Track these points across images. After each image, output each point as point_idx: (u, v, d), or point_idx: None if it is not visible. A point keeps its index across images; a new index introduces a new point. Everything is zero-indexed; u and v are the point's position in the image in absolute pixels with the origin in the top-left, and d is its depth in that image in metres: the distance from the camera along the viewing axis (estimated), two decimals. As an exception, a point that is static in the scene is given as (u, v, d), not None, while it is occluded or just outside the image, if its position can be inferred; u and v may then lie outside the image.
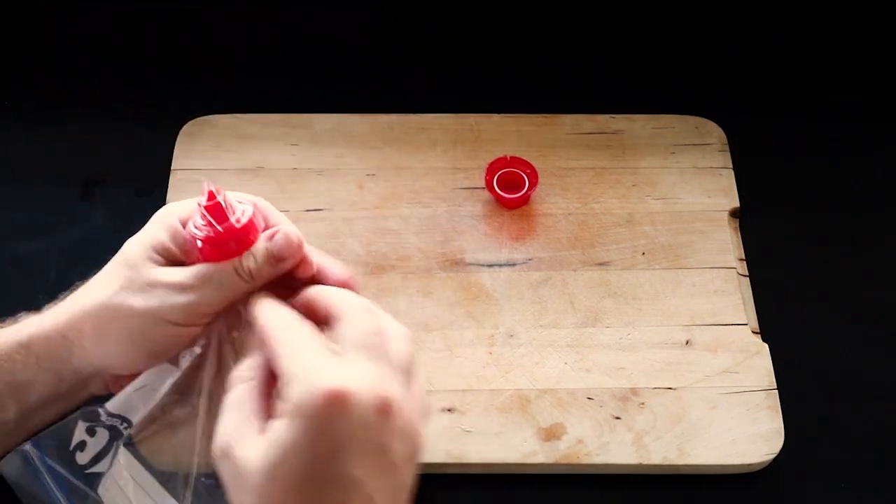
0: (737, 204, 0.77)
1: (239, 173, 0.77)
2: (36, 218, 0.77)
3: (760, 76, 0.87)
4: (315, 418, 0.43)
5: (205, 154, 0.78)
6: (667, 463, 0.65)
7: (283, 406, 0.45)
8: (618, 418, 0.66)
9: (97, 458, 0.57)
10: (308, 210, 0.76)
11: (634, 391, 0.67)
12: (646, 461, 0.65)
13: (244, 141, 0.79)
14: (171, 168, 0.77)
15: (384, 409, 0.45)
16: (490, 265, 0.73)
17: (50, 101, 0.84)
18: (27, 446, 0.56)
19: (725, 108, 0.82)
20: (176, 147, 0.78)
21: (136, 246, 0.54)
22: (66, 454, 0.56)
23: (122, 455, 0.57)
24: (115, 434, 0.57)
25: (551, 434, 0.66)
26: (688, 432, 0.66)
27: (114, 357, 0.54)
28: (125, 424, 0.57)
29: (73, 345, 0.54)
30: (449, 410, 0.67)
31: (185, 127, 0.79)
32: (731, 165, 0.79)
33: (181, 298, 0.52)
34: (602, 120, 0.81)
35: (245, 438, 0.45)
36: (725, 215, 0.76)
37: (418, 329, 0.70)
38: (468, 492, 0.65)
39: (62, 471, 0.56)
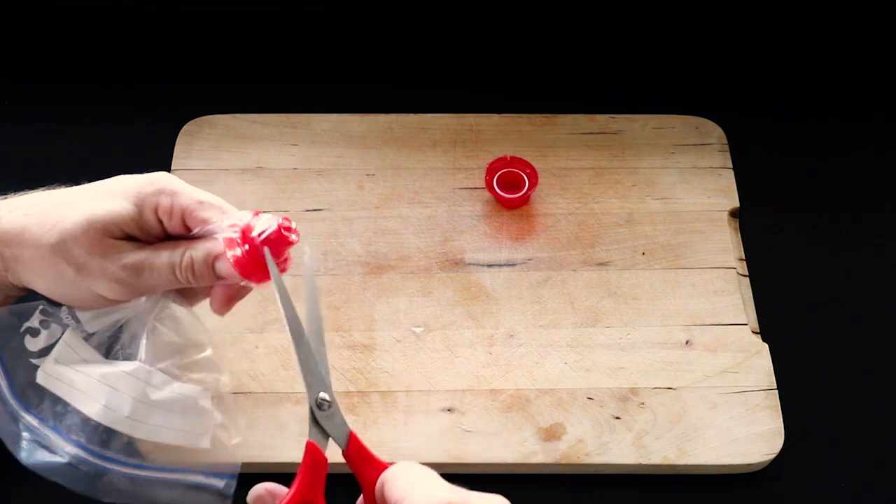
0: (737, 204, 0.77)
1: (239, 173, 0.77)
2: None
3: (760, 76, 0.87)
4: None
5: (205, 154, 0.78)
6: (666, 463, 0.65)
7: None
8: (618, 418, 0.66)
9: (45, 352, 0.59)
10: (308, 210, 0.76)
11: (634, 391, 0.67)
12: (646, 461, 0.65)
13: (244, 141, 0.79)
14: (171, 168, 0.77)
15: None
16: (490, 265, 0.73)
17: (50, 101, 0.84)
18: None
19: (725, 108, 0.82)
20: (176, 147, 0.78)
21: (105, 217, 0.56)
22: (15, 335, 0.59)
23: (68, 335, 0.59)
24: (65, 329, 0.60)
25: (551, 434, 0.66)
26: (688, 432, 0.66)
27: (46, 292, 0.58)
28: (79, 325, 0.60)
29: (6, 264, 0.57)
30: (449, 410, 0.67)
31: (185, 127, 0.79)
32: (731, 165, 0.79)
33: (117, 287, 0.57)
34: (602, 120, 0.81)
35: None
36: (725, 215, 0.76)
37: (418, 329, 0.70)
38: (468, 492, 0.65)
39: (8, 351, 0.59)
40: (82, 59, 0.87)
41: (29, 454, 0.57)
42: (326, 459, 0.52)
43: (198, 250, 0.56)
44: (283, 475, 0.63)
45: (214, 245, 0.57)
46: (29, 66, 0.87)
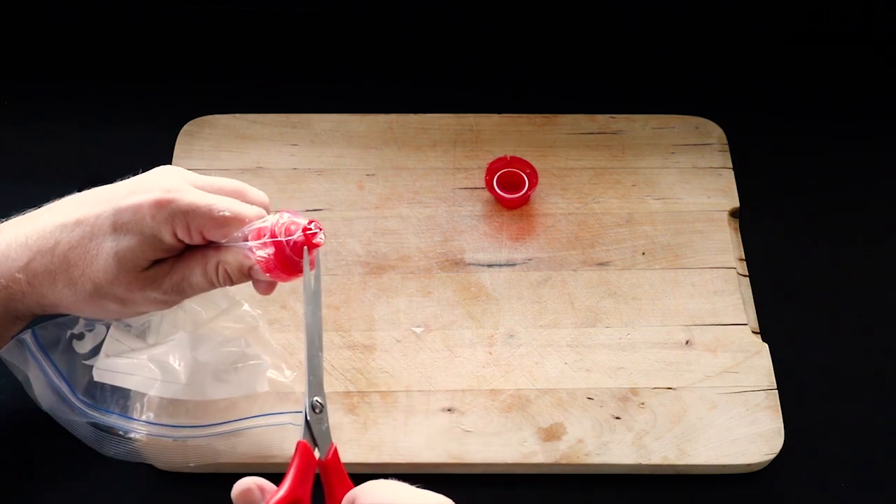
0: (737, 204, 0.77)
1: (239, 173, 0.77)
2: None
3: (760, 76, 0.87)
4: None
5: (205, 154, 0.78)
6: (666, 463, 0.65)
7: None
8: (618, 418, 0.66)
9: (95, 351, 0.62)
10: (308, 210, 0.76)
11: (634, 391, 0.67)
12: (645, 461, 0.65)
13: (244, 141, 0.79)
14: (171, 168, 0.77)
15: None
16: (490, 265, 0.73)
17: (50, 101, 0.84)
18: (25, 335, 0.61)
19: (725, 108, 0.82)
20: (176, 147, 0.78)
21: (136, 247, 0.56)
22: (62, 343, 0.62)
23: (113, 329, 0.62)
24: (108, 328, 0.63)
25: (551, 434, 0.66)
26: (688, 432, 0.66)
27: (92, 317, 0.61)
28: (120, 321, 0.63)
29: (45, 308, 0.59)
30: (449, 410, 0.67)
31: (185, 127, 0.79)
32: (731, 165, 0.79)
33: (162, 305, 0.59)
34: (602, 120, 0.81)
35: None
36: (725, 215, 0.76)
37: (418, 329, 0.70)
38: (468, 492, 0.65)
39: (59, 356, 0.61)
40: (82, 59, 0.87)
41: (108, 446, 0.61)
42: (316, 460, 0.53)
43: (230, 263, 0.57)
44: (281, 475, 0.63)
45: (244, 255, 0.57)
46: (29, 66, 0.87)
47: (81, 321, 0.62)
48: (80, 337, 0.62)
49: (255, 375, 0.63)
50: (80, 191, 0.60)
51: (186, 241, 0.57)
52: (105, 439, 0.61)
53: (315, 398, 0.54)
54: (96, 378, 0.61)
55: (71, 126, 0.83)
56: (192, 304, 0.63)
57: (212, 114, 0.80)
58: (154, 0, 0.88)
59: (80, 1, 0.88)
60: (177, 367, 0.60)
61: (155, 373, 0.60)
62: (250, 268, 0.57)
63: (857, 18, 0.89)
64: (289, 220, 0.57)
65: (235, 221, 0.56)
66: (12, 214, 0.61)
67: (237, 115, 0.81)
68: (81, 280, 0.56)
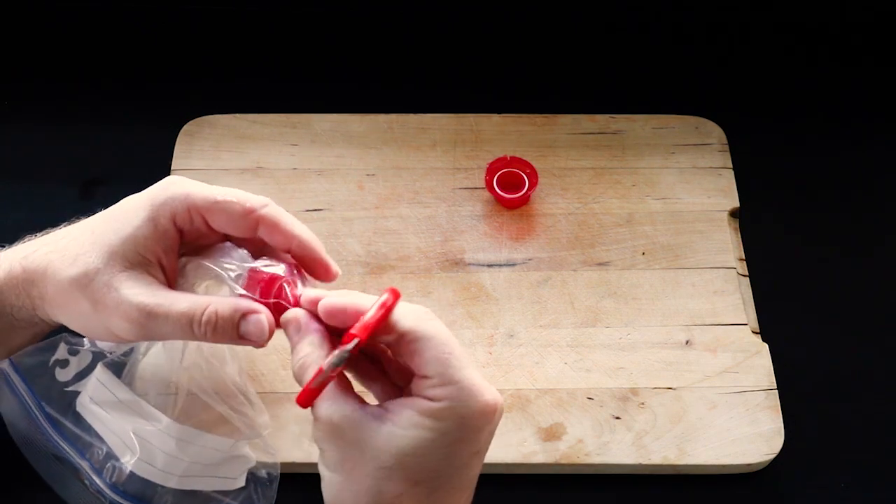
0: (737, 204, 0.77)
1: (239, 173, 0.77)
2: (36, 218, 0.76)
3: (760, 76, 0.87)
4: (467, 425, 0.49)
5: (205, 154, 0.78)
6: (666, 463, 0.65)
7: (430, 404, 0.49)
8: (618, 418, 0.66)
9: (79, 377, 0.59)
10: (308, 210, 0.76)
11: (634, 391, 0.67)
12: (645, 461, 0.65)
13: (244, 141, 0.79)
14: (171, 168, 0.77)
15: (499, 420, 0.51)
16: (490, 265, 0.73)
17: (50, 101, 0.84)
18: (3, 364, 0.58)
19: (725, 108, 0.82)
20: (176, 147, 0.78)
21: (125, 242, 0.54)
22: (44, 371, 0.58)
23: (100, 371, 0.58)
24: (97, 356, 0.59)
25: (551, 434, 0.66)
26: (687, 432, 0.66)
27: (69, 325, 0.56)
28: (109, 351, 0.59)
29: (34, 303, 0.56)
30: (449, 410, 0.66)
31: (185, 127, 0.79)
32: (731, 165, 0.79)
33: (129, 327, 0.53)
34: (602, 120, 0.81)
35: (362, 421, 0.49)
36: (725, 215, 0.76)
37: (418, 329, 0.70)
38: (468, 492, 0.65)
39: (39, 387, 0.58)
40: (82, 59, 0.87)
41: (70, 491, 0.58)
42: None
43: (224, 305, 0.52)
44: (283, 475, 0.64)
45: (242, 302, 0.53)
46: (29, 66, 0.87)
47: (62, 346, 0.58)
48: (64, 364, 0.58)
49: (234, 474, 0.59)
50: (80, 191, 0.60)
51: (186, 228, 0.55)
52: (69, 482, 0.58)
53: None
54: (78, 408, 0.58)
55: (71, 126, 0.83)
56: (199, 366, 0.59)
57: (212, 114, 0.80)
58: (154, 0, 0.88)
59: (80, 1, 0.88)
60: (157, 451, 0.56)
61: (134, 447, 0.57)
62: (243, 316, 0.52)
63: (856, 19, 0.89)
64: (281, 276, 0.54)
65: (237, 204, 0.54)
66: (12, 214, 0.60)
67: (237, 115, 0.81)
68: (71, 266, 0.54)
